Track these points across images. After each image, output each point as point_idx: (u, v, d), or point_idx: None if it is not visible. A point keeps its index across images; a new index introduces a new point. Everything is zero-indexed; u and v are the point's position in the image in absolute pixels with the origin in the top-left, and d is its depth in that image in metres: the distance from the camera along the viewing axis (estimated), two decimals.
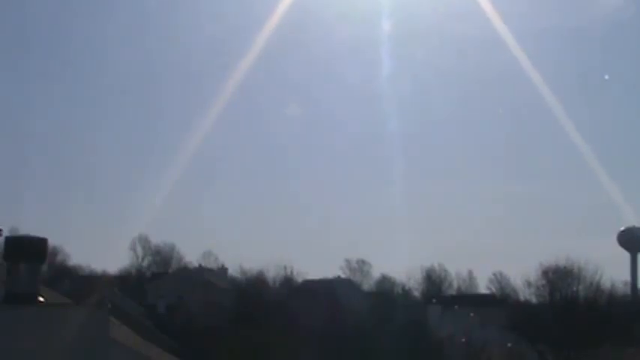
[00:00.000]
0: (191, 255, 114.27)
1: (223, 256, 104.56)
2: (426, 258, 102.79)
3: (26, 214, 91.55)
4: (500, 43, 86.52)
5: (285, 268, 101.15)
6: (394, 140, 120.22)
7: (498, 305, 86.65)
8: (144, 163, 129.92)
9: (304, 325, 59.63)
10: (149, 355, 20.40)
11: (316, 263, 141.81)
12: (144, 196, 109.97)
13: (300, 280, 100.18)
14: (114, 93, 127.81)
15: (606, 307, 74.79)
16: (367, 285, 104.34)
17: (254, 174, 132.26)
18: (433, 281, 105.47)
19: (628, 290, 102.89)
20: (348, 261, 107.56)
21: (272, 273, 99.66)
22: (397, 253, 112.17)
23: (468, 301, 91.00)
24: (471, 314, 76.13)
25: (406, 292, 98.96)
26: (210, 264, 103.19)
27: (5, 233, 18.38)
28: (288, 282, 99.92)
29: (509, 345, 67.80)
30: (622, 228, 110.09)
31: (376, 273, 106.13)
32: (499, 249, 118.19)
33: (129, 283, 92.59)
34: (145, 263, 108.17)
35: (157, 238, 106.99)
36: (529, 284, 78.88)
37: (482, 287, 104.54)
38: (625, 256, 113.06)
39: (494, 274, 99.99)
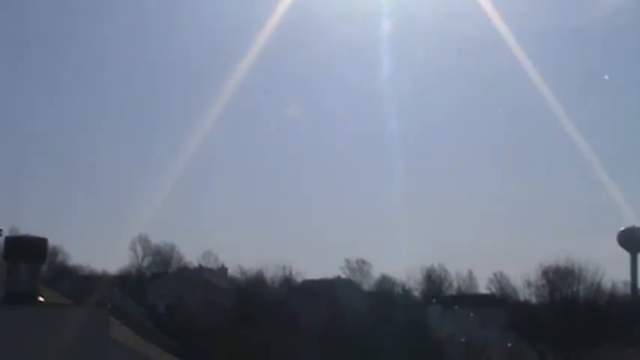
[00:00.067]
0: (191, 255, 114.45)
1: (223, 256, 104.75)
2: (426, 258, 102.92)
3: (26, 214, 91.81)
4: (501, 43, 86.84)
5: (284, 268, 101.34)
6: (394, 140, 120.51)
7: (498, 305, 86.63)
8: (144, 163, 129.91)
9: (304, 325, 59.62)
10: (149, 355, 20.40)
11: (316, 263, 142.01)
12: (144, 196, 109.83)
13: (299, 280, 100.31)
14: (114, 93, 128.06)
15: (606, 307, 74.79)
16: (367, 285, 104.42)
17: (254, 174, 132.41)
18: (433, 281, 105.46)
19: (628, 290, 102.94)
20: (348, 261, 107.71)
21: (272, 273, 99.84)
22: (397, 253, 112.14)
23: (468, 301, 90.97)
24: (471, 314, 76.09)
25: (406, 292, 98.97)
26: (210, 264, 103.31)
27: (5, 233, 18.37)
28: (287, 282, 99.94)
29: (509, 345, 67.77)
30: (622, 228, 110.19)
31: (376, 273, 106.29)
32: (499, 249, 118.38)
33: (129, 283, 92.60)
34: (145, 263, 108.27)
35: (157, 238, 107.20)
36: (529, 284, 78.98)
37: (483, 287, 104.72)
38: (625, 256, 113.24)
39: (494, 274, 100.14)
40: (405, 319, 67.01)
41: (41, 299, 15.08)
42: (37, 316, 13.90)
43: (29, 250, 14.54)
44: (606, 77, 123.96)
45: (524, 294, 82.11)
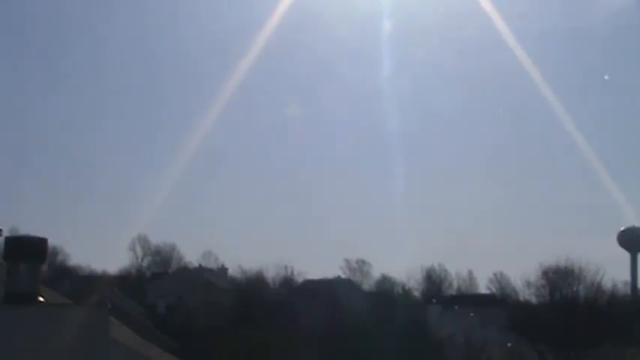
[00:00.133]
0: (191, 255, 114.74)
1: (223, 256, 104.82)
2: (426, 258, 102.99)
3: (26, 214, 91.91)
4: (501, 43, 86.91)
5: (285, 268, 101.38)
6: (394, 140, 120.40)
7: (498, 305, 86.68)
8: (144, 163, 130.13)
9: (304, 325, 59.60)
10: (149, 355, 20.38)
11: (316, 263, 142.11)
12: (144, 196, 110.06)
13: (300, 280, 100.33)
14: (114, 93, 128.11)
15: (606, 307, 74.80)
16: (367, 285, 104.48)
17: (254, 174, 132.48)
18: (433, 281, 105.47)
19: (628, 290, 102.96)
20: (348, 261, 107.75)
21: (272, 273, 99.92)
22: (397, 253, 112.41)
23: (468, 301, 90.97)
24: (471, 314, 76.07)
25: (406, 292, 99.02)
26: (210, 264, 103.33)
27: (5, 233, 18.34)
28: (288, 282, 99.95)
29: (509, 345, 67.75)
30: (622, 228, 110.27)
31: (376, 273, 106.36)
32: (499, 249, 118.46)
33: (129, 283, 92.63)
34: (145, 263, 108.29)
35: (156, 238, 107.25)
36: (529, 284, 79.14)
37: (483, 287, 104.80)
38: (625, 256, 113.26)
39: (494, 274, 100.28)
40: (405, 319, 67.04)
41: (41, 299, 15.06)
42: (37, 316, 13.89)
43: (29, 250, 14.52)
44: (606, 77, 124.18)
45: (524, 294, 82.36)
